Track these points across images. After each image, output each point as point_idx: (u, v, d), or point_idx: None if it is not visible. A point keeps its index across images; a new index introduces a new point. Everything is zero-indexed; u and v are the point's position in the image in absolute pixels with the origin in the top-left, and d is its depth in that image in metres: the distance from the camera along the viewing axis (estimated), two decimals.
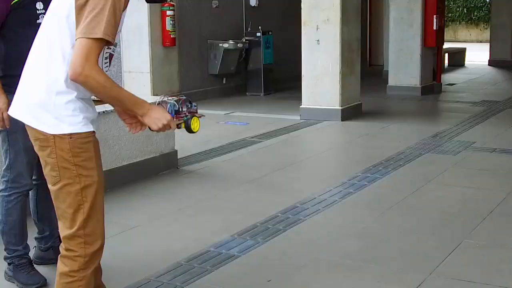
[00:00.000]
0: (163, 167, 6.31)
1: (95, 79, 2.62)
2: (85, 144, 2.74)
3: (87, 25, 2.60)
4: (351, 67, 9.27)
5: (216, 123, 9.03)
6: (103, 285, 3.09)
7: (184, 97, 2.98)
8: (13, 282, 3.84)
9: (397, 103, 10.90)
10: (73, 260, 2.77)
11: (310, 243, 4.51)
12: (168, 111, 2.84)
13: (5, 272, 3.90)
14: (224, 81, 12.10)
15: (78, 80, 2.62)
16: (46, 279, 3.81)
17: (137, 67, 10.53)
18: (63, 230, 2.81)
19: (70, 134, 2.71)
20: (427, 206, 5.26)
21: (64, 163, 2.72)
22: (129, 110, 2.82)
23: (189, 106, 2.94)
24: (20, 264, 3.84)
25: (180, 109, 2.91)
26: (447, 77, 14.49)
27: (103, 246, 2.84)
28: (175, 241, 4.54)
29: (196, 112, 2.94)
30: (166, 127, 2.79)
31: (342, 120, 9.00)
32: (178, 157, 6.56)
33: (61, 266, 2.80)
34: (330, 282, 3.87)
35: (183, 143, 6.87)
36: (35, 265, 3.93)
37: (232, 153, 7.19)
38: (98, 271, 2.95)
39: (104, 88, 2.66)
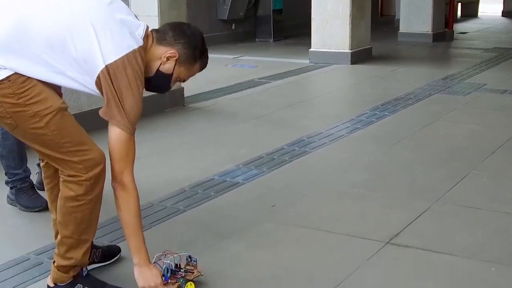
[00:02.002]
0: (170, 104, 6.24)
1: (128, 195, 2.59)
2: (27, 80, 2.48)
3: (128, 114, 2.55)
4: (361, 10, 9.10)
5: (224, 65, 8.94)
6: None
7: (184, 253, 2.83)
8: (16, 206, 3.82)
9: (408, 49, 10.75)
10: (79, 184, 2.56)
11: (315, 173, 4.46)
12: (163, 273, 2.69)
13: (8, 196, 3.88)
14: (233, 27, 11.95)
15: (116, 187, 2.58)
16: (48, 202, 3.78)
17: (145, 11, 10.37)
18: (54, 164, 2.64)
19: (8, 77, 2.44)
20: (436, 141, 5.19)
21: (14, 108, 2.47)
22: (128, 246, 2.70)
23: (189, 260, 2.80)
24: (22, 187, 3.81)
25: (178, 266, 2.77)
26: (459, 26, 14.28)
27: (105, 168, 2.62)
28: (180, 171, 4.50)
29: (194, 271, 2.78)
30: None
31: (351, 64, 8.88)
32: (185, 95, 6.49)
33: (66, 190, 2.59)
34: (334, 209, 3.82)
35: (189, 83, 6.71)
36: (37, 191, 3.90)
37: (239, 92, 7.12)
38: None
39: (128, 208, 2.61)
